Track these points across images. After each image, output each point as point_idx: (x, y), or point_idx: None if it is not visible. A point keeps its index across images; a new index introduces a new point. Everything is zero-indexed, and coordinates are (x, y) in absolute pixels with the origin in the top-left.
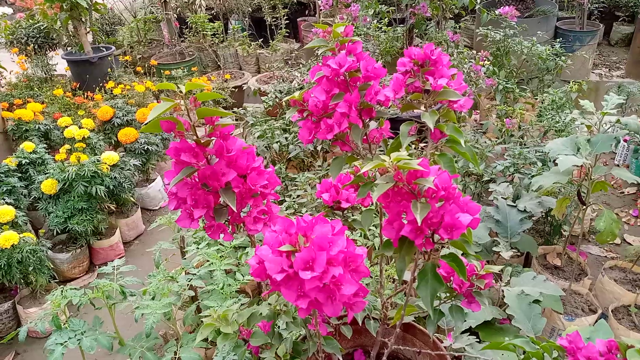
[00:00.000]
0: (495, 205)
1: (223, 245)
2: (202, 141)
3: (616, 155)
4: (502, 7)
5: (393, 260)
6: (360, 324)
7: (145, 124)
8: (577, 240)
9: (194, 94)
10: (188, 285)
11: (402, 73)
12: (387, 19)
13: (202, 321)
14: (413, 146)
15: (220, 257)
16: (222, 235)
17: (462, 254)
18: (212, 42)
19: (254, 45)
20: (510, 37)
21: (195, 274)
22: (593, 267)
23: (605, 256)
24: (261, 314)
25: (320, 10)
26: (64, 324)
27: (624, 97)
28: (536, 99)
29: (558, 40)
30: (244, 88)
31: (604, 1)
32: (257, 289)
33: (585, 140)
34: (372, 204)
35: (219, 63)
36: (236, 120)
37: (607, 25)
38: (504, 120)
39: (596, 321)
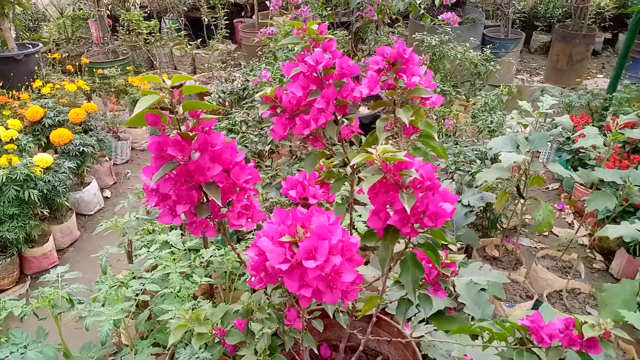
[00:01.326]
0: None
1: (176, 248)
2: (185, 134)
3: (541, 153)
4: (444, 14)
5: None
6: (331, 317)
7: (132, 117)
8: (517, 232)
9: (174, 87)
10: (142, 289)
11: (376, 71)
12: (331, 21)
13: (154, 327)
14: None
15: (174, 259)
16: (203, 232)
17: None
18: (148, 41)
19: (193, 44)
20: (446, 42)
21: (148, 278)
22: (526, 257)
23: (535, 247)
24: (236, 312)
25: (271, 9)
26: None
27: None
28: (469, 101)
29: (489, 46)
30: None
31: (524, 11)
32: (209, 291)
33: (524, 138)
34: (343, 199)
35: (154, 62)
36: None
37: (527, 34)
38: (443, 121)
39: (533, 306)
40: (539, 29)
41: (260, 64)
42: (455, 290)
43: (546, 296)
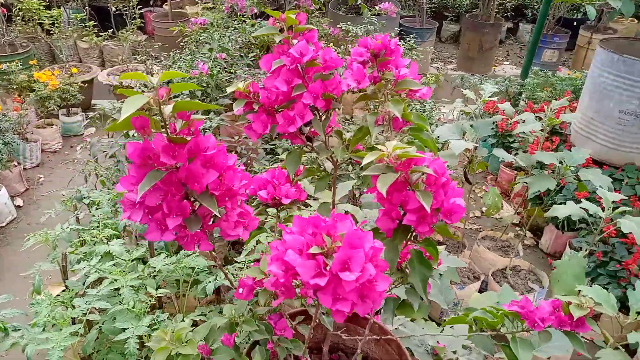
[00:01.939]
0: None
1: (121, 259)
2: (177, 138)
3: None
4: (381, 4)
5: None
6: (317, 321)
7: (117, 123)
8: (466, 217)
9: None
10: (90, 308)
11: (361, 63)
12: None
13: (101, 348)
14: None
15: (121, 272)
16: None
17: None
18: (51, 32)
19: (104, 35)
20: (372, 32)
21: (95, 295)
22: (466, 239)
23: (471, 228)
24: (219, 327)
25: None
26: None
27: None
28: None
29: (412, 35)
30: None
31: (434, 2)
32: (158, 302)
33: (469, 125)
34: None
35: (60, 55)
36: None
37: (438, 24)
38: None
39: (480, 287)
40: (448, 19)
41: (184, 56)
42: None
43: (491, 275)
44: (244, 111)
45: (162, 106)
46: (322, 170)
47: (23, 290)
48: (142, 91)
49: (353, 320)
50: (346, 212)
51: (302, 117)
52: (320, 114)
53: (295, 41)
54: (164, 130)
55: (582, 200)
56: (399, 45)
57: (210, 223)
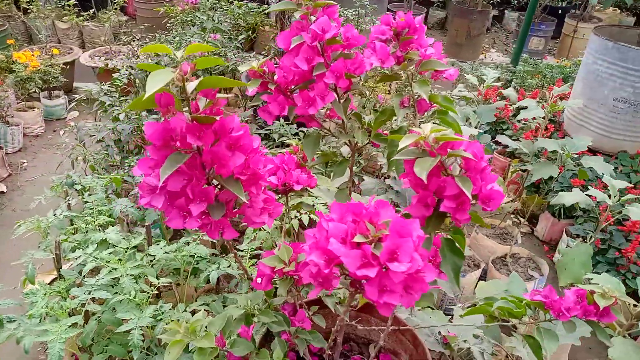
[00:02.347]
0: (392, 177)
1: (119, 247)
2: (204, 118)
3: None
4: None
5: None
6: (334, 311)
7: (141, 99)
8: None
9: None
10: (88, 299)
11: (382, 41)
12: None
13: (100, 340)
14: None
15: (120, 260)
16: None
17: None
18: (29, 10)
19: (85, 15)
20: (363, 16)
21: (94, 285)
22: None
23: None
24: (236, 319)
25: None
26: None
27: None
28: None
29: None
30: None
31: None
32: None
33: (472, 111)
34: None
35: (39, 36)
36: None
37: (425, 9)
38: (377, 96)
39: (480, 275)
40: (435, 5)
41: (170, 38)
42: None
43: (491, 262)
44: (257, 92)
45: (186, 83)
46: (339, 155)
47: (12, 280)
48: (130, 74)
49: (365, 309)
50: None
51: (322, 97)
52: (340, 95)
53: (313, 18)
54: (186, 109)
55: (579, 188)
56: (423, 24)
57: (234, 210)
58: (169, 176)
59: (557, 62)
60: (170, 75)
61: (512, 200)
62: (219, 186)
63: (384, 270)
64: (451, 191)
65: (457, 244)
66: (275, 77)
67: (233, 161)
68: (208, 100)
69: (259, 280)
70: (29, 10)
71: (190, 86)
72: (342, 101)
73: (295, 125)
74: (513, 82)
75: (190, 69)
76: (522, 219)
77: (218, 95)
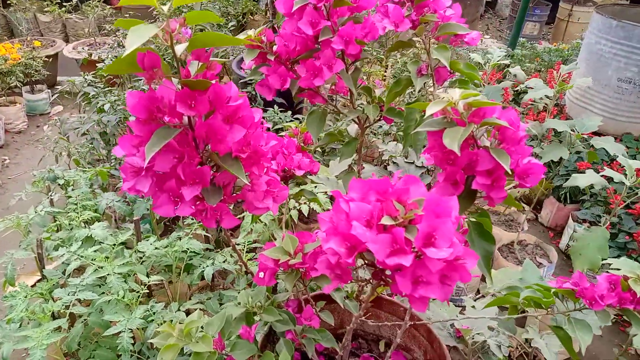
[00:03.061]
0: (394, 163)
1: (106, 244)
2: (196, 82)
3: None
4: None
5: None
6: (342, 306)
7: (118, 60)
8: None
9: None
10: (73, 300)
11: (396, 3)
12: None
13: (88, 344)
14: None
15: (106, 258)
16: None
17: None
18: (9, 3)
19: (67, 6)
20: None
21: (79, 285)
22: None
23: None
24: (235, 318)
25: None
26: None
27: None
28: (383, 63)
29: None
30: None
31: None
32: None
33: (478, 92)
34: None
35: (20, 28)
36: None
37: None
38: (374, 82)
39: None
40: None
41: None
42: None
43: (498, 250)
44: (255, 64)
45: (174, 42)
46: (345, 135)
47: None
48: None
49: (374, 303)
50: None
51: (330, 67)
52: (348, 65)
53: None
54: (175, 74)
55: (584, 171)
56: None
57: (233, 194)
58: (155, 154)
59: (555, 45)
60: (154, 30)
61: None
62: (215, 167)
63: (418, 258)
64: (485, 166)
65: (485, 227)
66: (275, 48)
67: (231, 136)
68: (201, 63)
69: (261, 274)
70: (9, 3)
71: (180, 47)
72: (350, 72)
73: (290, 113)
74: (511, 66)
75: (180, 24)
76: (527, 206)
77: (212, 59)
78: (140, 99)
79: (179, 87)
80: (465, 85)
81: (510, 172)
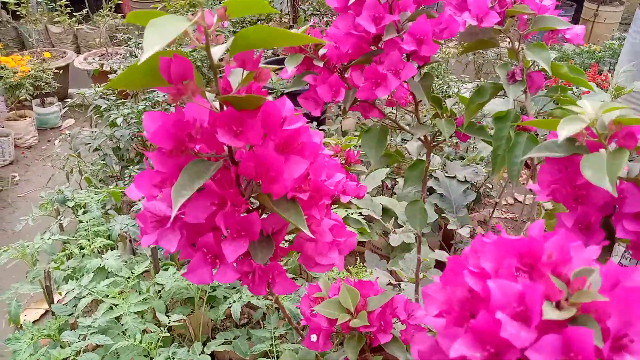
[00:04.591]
0: (434, 178)
1: (120, 276)
2: (245, 98)
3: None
4: None
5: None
6: None
7: (132, 67)
8: (494, 206)
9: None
10: (82, 347)
11: None
12: None
13: None
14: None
15: (121, 293)
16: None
17: None
18: (19, 14)
19: (78, 16)
20: None
21: (91, 326)
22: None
23: (505, 217)
24: None
25: None
26: None
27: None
28: None
29: None
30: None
31: None
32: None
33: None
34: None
35: (30, 40)
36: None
37: None
38: None
39: None
40: None
41: None
42: None
43: None
44: (298, 72)
45: (210, 41)
46: (405, 155)
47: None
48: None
49: None
50: (383, 207)
51: (396, 73)
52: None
53: None
54: (210, 88)
55: None
56: None
57: (282, 246)
58: (191, 200)
59: (586, 46)
60: (183, 24)
61: None
62: (260, 208)
63: None
64: (636, 206)
65: None
66: (323, 51)
67: (289, 171)
68: (247, 72)
69: (313, 337)
70: (19, 15)
71: (219, 49)
72: (418, 78)
73: (315, 123)
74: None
75: (219, 16)
76: None
77: (263, 65)
78: (165, 123)
79: (216, 105)
80: (565, 93)
81: None
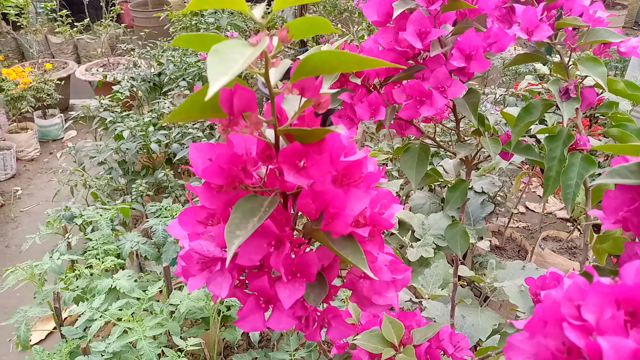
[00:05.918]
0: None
1: (131, 297)
2: (309, 132)
3: None
4: None
5: None
6: None
7: (193, 97)
8: (509, 216)
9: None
10: None
11: (523, 4)
12: None
13: None
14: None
15: (133, 315)
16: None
17: None
18: (19, 24)
19: (79, 26)
20: None
21: (104, 351)
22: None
23: (517, 226)
24: None
25: None
26: None
27: None
28: None
29: None
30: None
31: None
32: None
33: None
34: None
35: (30, 50)
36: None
37: None
38: None
39: None
40: None
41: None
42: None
43: None
44: (332, 88)
45: (270, 65)
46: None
47: (4, 333)
48: (132, 86)
49: None
50: (399, 220)
51: (442, 90)
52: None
53: None
54: (270, 118)
55: None
56: None
57: (339, 284)
58: (249, 240)
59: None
60: (250, 50)
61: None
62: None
63: None
64: None
65: None
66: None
67: (350, 207)
68: (305, 99)
69: None
70: (19, 25)
71: (274, 73)
72: (464, 95)
73: None
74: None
75: (281, 39)
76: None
77: (326, 90)
78: (219, 158)
79: (268, 135)
80: (618, 110)
81: None
